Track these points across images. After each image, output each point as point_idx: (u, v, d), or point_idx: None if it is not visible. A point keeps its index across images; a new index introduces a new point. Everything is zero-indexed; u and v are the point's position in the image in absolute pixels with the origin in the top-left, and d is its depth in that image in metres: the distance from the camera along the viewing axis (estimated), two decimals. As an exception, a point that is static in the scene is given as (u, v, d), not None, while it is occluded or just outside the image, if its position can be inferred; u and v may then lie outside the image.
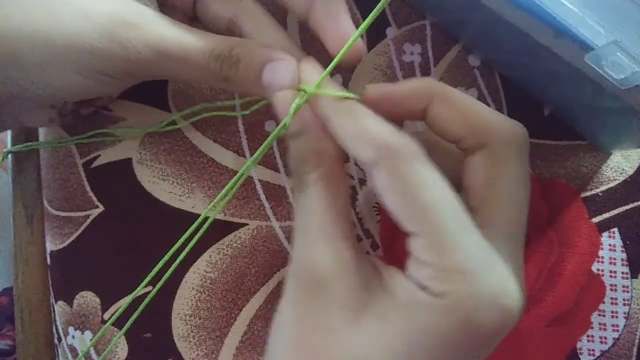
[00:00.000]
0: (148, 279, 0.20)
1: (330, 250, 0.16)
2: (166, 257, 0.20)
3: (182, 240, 0.21)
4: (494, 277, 0.15)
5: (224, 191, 0.20)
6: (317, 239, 0.17)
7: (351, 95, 0.17)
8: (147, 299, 0.21)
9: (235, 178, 0.20)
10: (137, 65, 0.19)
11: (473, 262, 0.15)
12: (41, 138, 0.27)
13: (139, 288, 0.21)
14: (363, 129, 0.16)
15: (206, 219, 0.21)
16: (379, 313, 0.16)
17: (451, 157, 0.19)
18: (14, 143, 0.28)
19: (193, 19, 0.23)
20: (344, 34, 0.19)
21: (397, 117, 0.18)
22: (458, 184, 0.18)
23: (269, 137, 0.19)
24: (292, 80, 0.19)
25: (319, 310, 0.16)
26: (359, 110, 0.17)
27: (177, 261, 0.21)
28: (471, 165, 0.18)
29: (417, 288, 0.16)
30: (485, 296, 0.15)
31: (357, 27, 0.21)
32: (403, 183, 0.16)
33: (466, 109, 0.18)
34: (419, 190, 0.15)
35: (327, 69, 0.18)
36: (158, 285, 0.21)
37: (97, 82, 0.20)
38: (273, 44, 0.20)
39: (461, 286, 0.15)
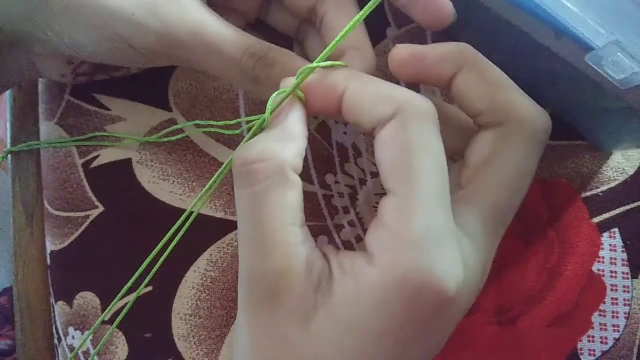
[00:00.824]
0: (133, 278, 0.20)
1: (284, 260, 0.16)
2: (151, 256, 0.20)
3: (167, 236, 0.20)
4: (440, 257, 0.15)
5: (209, 183, 0.20)
6: (270, 249, 0.16)
7: (342, 63, 0.18)
8: (135, 293, 0.21)
9: (219, 171, 0.20)
10: (170, 44, 0.19)
11: (427, 237, 0.15)
12: (42, 139, 0.27)
13: (125, 287, 0.20)
14: (383, 87, 0.17)
15: (202, 216, 0.21)
16: (327, 311, 0.15)
17: (459, 129, 0.19)
18: (13, 143, 0.28)
19: (252, 24, 0.24)
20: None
21: (421, 80, 0.18)
22: (459, 158, 0.18)
23: (252, 129, 0.19)
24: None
25: (272, 319, 0.16)
26: (373, 77, 0.17)
27: (163, 257, 0.21)
28: (479, 140, 0.17)
29: (363, 262, 0.15)
30: (423, 274, 0.14)
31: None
32: (404, 139, 0.15)
33: (495, 82, 0.17)
34: (415, 151, 0.15)
35: (325, 51, 0.18)
36: (145, 282, 0.21)
37: (122, 52, 0.20)
38: (354, 42, 0.20)
39: (406, 258, 0.15)
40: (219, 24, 0.20)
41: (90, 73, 0.24)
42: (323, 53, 0.17)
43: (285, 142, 0.17)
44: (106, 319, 0.25)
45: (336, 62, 0.18)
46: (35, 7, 0.19)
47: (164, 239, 0.21)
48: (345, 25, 0.20)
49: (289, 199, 0.16)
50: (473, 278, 0.16)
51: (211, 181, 0.20)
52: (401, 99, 0.16)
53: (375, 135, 0.16)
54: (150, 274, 0.21)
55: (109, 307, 0.22)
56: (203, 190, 0.20)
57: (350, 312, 0.15)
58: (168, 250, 0.21)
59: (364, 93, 0.17)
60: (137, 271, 0.20)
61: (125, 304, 0.25)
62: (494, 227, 0.17)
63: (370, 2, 0.17)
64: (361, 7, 0.27)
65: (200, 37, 0.19)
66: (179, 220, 0.21)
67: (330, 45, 0.17)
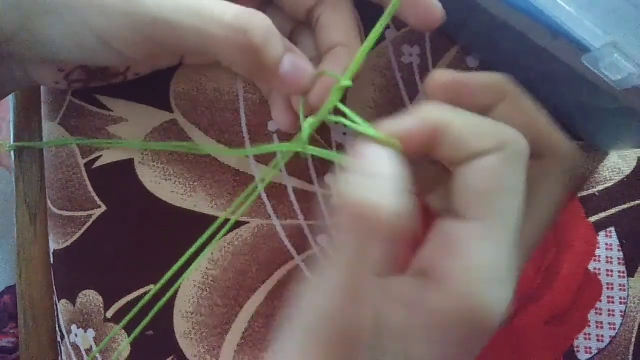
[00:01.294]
0: (163, 281, 0.20)
1: (367, 315, 0.15)
2: (183, 259, 0.20)
3: (199, 243, 0.21)
4: (503, 295, 0.15)
5: (242, 196, 0.20)
6: (359, 302, 0.15)
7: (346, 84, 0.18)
8: (161, 302, 0.21)
9: (252, 186, 0.20)
10: (141, 26, 0.18)
11: (499, 274, 0.15)
12: (44, 139, 0.27)
13: (153, 290, 0.21)
14: (487, 122, 0.16)
15: (206, 218, 0.21)
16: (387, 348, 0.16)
17: None
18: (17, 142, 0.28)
19: (267, 2, 0.24)
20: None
21: (457, 105, 0.18)
22: None
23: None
24: (308, 79, 0.20)
25: None
26: (470, 112, 0.17)
27: (193, 266, 0.21)
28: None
29: (423, 287, 0.15)
30: (487, 309, 0.15)
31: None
32: (505, 174, 0.16)
33: (533, 115, 0.18)
34: (511, 188, 0.16)
35: (352, 65, 0.18)
36: (172, 289, 0.21)
37: (93, 47, 0.19)
38: (344, 39, 0.20)
39: (478, 292, 0.15)
40: None
41: (85, 80, 0.24)
42: (350, 69, 0.18)
43: (397, 195, 0.15)
44: (108, 317, 0.25)
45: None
46: (12, 8, 0.19)
47: (194, 245, 0.21)
48: (340, 25, 0.20)
49: (389, 253, 0.16)
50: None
51: (243, 195, 0.20)
52: (508, 135, 0.16)
53: (469, 162, 0.16)
54: (166, 277, 0.21)
55: (130, 314, 0.22)
56: (237, 202, 0.20)
57: (406, 339, 0.15)
58: (198, 259, 0.21)
59: (469, 127, 0.16)
60: (166, 275, 0.20)
61: (128, 302, 0.25)
62: (524, 258, 0.17)
63: (377, 26, 0.17)
64: (360, 11, 0.27)
65: (176, 10, 0.18)
66: (212, 227, 0.21)
67: (356, 59, 0.18)
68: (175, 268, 0.20)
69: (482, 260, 0.15)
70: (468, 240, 0.15)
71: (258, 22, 0.19)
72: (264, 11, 0.24)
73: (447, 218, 0.16)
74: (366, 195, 0.15)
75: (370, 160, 0.16)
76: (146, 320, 0.20)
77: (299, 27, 0.24)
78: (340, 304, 0.15)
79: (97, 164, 0.26)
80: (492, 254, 0.15)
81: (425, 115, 0.17)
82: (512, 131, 0.16)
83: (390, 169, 0.16)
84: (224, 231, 0.21)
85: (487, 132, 0.16)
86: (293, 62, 0.20)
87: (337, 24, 0.21)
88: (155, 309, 0.20)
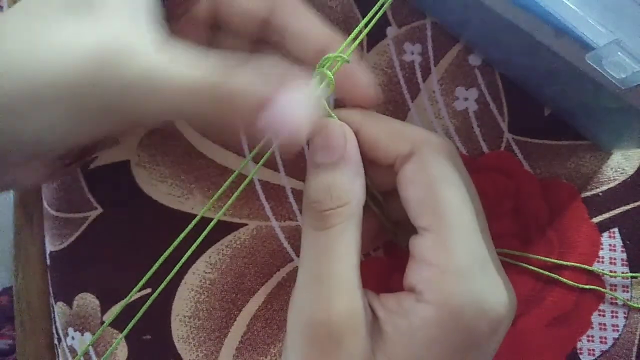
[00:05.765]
0: (143, 281, 0.20)
1: (348, 303, 0.16)
2: (161, 260, 0.20)
3: (177, 242, 0.20)
4: (488, 282, 0.15)
5: (219, 192, 0.20)
6: (336, 290, 0.15)
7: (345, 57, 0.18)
8: (148, 301, 0.21)
9: (231, 178, 0.20)
10: (126, 102, 0.16)
11: (472, 266, 0.15)
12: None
13: (134, 290, 0.20)
14: (398, 126, 0.18)
15: (203, 220, 0.21)
16: (384, 353, 0.15)
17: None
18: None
19: (215, 27, 0.21)
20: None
21: None
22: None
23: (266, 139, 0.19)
24: (303, 112, 0.16)
25: None
26: (385, 116, 0.18)
27: (179, 264, 0.21)
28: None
29: (412, 301, 0.16)
30: (477, 303, 0.15)
31: (355, 28, 0.21)
32: (428, 175, 0.16)
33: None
34: (441, 184, 0.16)
35: (348, 40, 0.18)
36: (159, 289, 0.21)
37: (73, 128, 0.16)
38: (319, 40, 0.19)
39: (458, 291, 0.15)
40: (170, 60, 0.16)
41: (78, 162, 0.23)
42: (345, 43, 0.18)
43: (357, 179, 0.17)
44: (105, 320, 0.25)
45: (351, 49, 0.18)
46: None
47: (172, 244, 0.20)
48: (314, 27, 0.20)
49: (358, 238, 0.16)
50: (511, 290, 0.16)
51: (220, 190, 0.20)
52: (417, 136, 0.17)
53: (397, 173, 0.17)
54: (165, 281, 0.21)
55: (114, 312, 0.22)
56: (214, 197, 0.20)
57: (407, 351, 0.15)
58: (184, 258, 0.21)
59: (379, 131, 0.17)
60: (145, 276, 0.20)
61: (126, 306, 0.25)
62: (478, 236, 0.17)
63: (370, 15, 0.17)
64: (361, 9, 0.27)
65: (153, 82, 0.15)
66: (189, 227, 0.21)
67: (354, 36, 0.18)
68: (155, 267, 0.20)
69: (446, 264, 0.15)
70: (427, 250, 0.16)
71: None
72: (213, 37, 0.21)
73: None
74: (352, 190, 0.17)
75: (352, 153, 0.17)
76: (136, 317, 0.20)
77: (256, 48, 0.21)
78: (317, 296, 0.16)
79: (93, 165, 0.26)
80: (457, 252, 0.15)
81: (342, 117, 0.18)
82: (419, 131, 0.17)
83: (361, 161, 0.17)
84: (210, 227, 0.20)
85: (398, 136, 0.17)
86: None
87: (310, 27, 0.19)
88: (144, 308, 0.20)
